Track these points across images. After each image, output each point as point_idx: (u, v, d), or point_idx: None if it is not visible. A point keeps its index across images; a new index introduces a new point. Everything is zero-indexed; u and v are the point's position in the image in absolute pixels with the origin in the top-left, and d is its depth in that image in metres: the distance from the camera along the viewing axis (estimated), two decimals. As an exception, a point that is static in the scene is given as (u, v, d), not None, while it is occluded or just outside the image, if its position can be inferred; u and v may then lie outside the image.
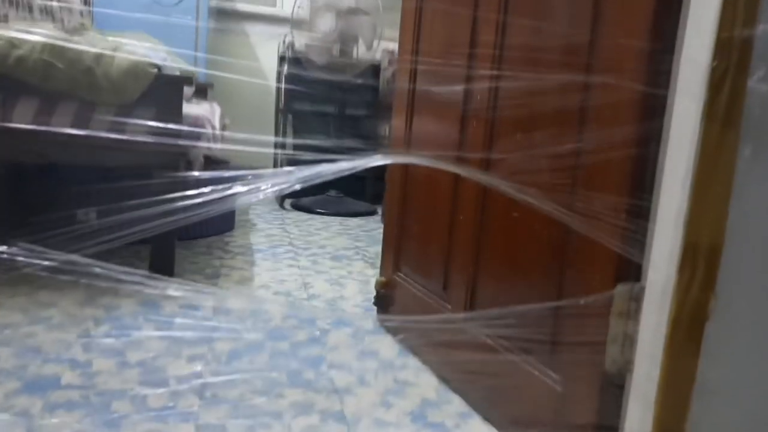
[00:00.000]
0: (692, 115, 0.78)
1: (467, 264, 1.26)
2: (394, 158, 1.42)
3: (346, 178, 3.96)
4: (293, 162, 3.30)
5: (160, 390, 1.24)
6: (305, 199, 3.52)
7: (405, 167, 1.53)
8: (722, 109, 0.78)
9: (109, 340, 1.45)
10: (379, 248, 1.79)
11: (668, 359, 0.82)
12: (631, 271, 0.85)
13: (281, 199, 3.54)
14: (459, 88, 1.13)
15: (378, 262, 1.80)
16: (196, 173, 1.69)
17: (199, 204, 1.10)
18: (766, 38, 0.79)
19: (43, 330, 1.47)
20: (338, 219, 3.29)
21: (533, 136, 0.94)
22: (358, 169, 0.98)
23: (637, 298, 0.86)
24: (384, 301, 1.67)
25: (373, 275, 2.17)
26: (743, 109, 0.79)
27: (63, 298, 1.68)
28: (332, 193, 3.56)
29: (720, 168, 0.80)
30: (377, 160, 1.11)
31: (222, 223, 2.66)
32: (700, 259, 0.81)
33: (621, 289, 0.85)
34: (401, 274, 1.61)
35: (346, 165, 1.01)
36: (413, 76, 1.44)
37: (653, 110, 0.80)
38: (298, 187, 1.09)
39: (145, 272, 1.04)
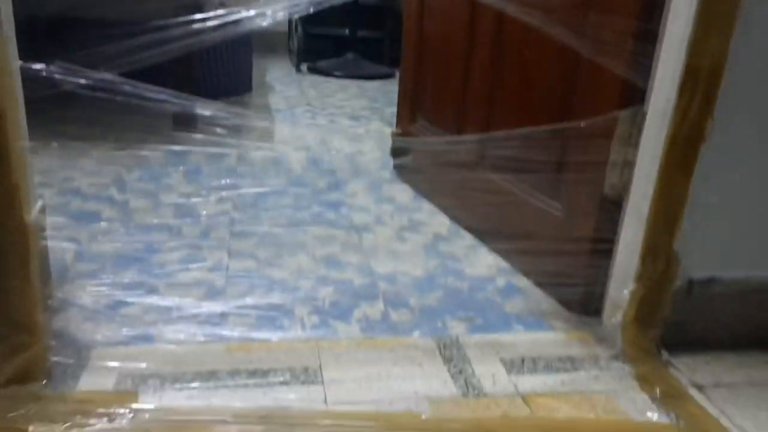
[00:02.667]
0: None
1: (481, 112, 1.29)
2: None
3: (364, 41, 3.83)
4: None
5: (194, 224, 1.34)
6: (322, 62, 3.48)
7: (421, 14, 1.53)
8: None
9: (141, 184, 1.55)
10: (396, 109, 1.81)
11: (663, 178, 0.87)
12: (635, 97, 0.88)
13: (297, 62, 3.51)
14: None
15: (395, 121, 1.83)
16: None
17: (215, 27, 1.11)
18: None
19: (80, 175, 1.57)
20: (356, 82, 3.27)
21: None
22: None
23: (639, 125, 0.90)
24: (400, 151, 1.73)
25: (390, 133, 2.22)
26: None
27: (94, 148, 1.77)
28: (350, 56, 3.52)
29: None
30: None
31: (239, 85, 2.68)
32: (701, 83, 0.84)
33: (625, 114, 0.89)
34: (417, 126, 1.65)
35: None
36: None
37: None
38: (311, 9, 1.10)
39: (173, 92, 1.09)
